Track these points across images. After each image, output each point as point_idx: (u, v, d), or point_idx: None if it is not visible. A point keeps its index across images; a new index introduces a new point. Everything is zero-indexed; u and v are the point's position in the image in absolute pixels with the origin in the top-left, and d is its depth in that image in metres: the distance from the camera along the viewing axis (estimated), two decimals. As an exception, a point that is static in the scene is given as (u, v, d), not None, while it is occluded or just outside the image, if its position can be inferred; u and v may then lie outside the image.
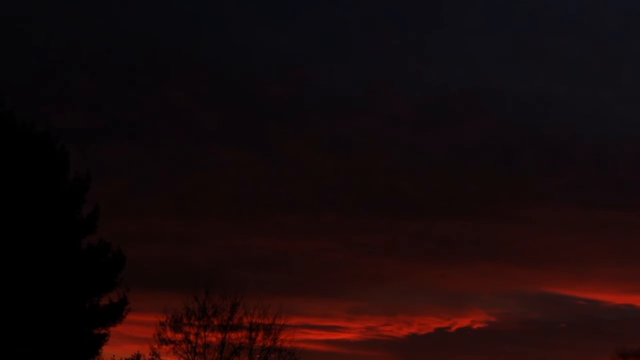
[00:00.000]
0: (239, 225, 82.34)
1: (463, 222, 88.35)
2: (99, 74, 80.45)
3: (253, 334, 50.38)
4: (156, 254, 72.82)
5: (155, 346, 49.18)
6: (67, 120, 69.78)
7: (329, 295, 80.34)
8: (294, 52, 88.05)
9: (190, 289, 49.74)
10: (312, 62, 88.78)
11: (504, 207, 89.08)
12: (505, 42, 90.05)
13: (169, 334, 49.53)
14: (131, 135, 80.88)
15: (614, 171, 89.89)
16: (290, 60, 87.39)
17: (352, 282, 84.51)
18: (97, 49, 78.92)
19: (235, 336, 50.18)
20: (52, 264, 37.27)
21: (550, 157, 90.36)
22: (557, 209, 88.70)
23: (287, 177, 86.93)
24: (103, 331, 40.50)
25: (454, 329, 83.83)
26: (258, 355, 50.32)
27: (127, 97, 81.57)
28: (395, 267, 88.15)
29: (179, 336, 49.58)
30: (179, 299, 50.19)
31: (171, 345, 49.56)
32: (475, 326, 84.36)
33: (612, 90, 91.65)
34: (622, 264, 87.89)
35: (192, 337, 49.63)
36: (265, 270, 79.54)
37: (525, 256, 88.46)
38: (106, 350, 41.36)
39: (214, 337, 49.94)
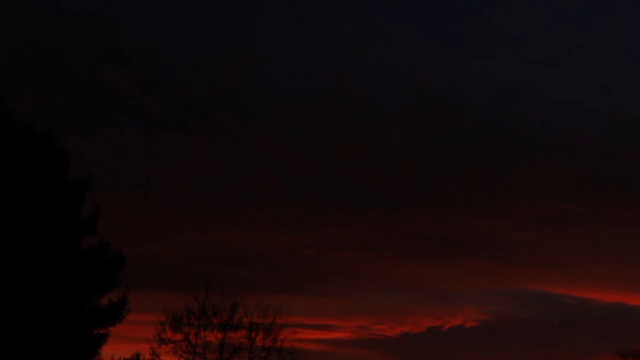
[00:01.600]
0: (206, 219, 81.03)
1: (436, 216, 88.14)
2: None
3: (253, 334, 50.45)
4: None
5: (155, 346, 49.31)
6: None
7: (310, 292, 79.78)
8: (262, 39, 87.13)
9: (191, 289, 49.89)
10: (277, 50, 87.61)
11: (477, 200, 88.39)
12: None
13: (169, 334, 49.65)
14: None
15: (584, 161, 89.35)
16: (255, 45, 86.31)
17: (334, 279, 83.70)
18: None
19: (235, 336, 50.28)
20: (53, 264, 37.26)
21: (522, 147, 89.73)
22: (532, 202, 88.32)
23: (252, 170, 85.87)
24: (103, 331, 40.48)
25: (446, 327, 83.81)
26: (259, 355, 50.38)
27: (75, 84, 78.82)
28: (375, 263, 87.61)
29: (179, 336, 49.68)
30: (179, 299, 50.30)
31: (171, 345, 49.67)
32: (467, 325, 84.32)
33: (584, 78, 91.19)
34: (605, 260, 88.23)
35: (191, 337, 49.71)
36: (238, 266, 78.78)
37: (507, 252, 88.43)
38: (106, 350, 41.43)
39: (213, 337, 50.03)
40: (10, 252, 36.40)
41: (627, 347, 66.01)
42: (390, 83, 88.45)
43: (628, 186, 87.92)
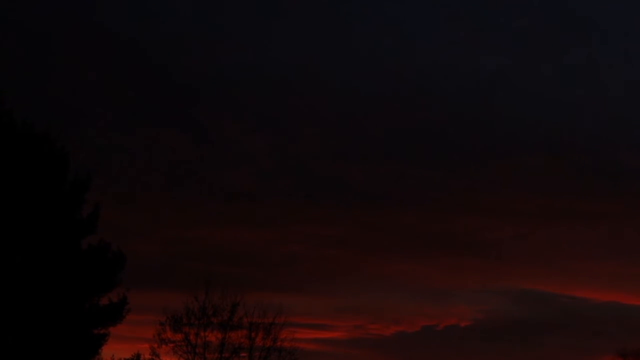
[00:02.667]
0: (180, 214, 79.47)
1: (420, 213, 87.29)
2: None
3: (253, 334, 50.43)
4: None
5: (155, 346, 49.29)
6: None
7: (299, 291, 79.00)
8: (230, 30, 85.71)
9: (191, 289, 49.86)
10: (251, 40, 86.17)
11: (458, 195, 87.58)
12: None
13: (169, 334, 49.62)
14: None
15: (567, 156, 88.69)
16: (224, 37, 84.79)
17: (322, 277, 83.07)
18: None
19: (235, 336, 50.25)
20: (53, 264, 37.27)
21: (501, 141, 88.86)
22: (513, 197, 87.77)
23: (224, 163, 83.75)
24: (103, 331, 40.46)
25: (441, 326, 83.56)
26: (257, 354, 50.37)
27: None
28: (363, 261, 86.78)
29: (179, 336, 49.66)
30: (179, 299, 50.26)
31: (171, 345, 49.65)
32: (462, 324, 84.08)
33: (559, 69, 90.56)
34: (595, 257, 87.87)
35: (191, 337, 49.69)
36: (219, 264, 76.91)
37: (497, 250, 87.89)
38: (106, 350, 41.39)
39: (213, 337, 50.01)
40: (10, 252, 36.41)
41: (624, 346, 65.97)
42: (369, 75, 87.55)
43: (615, 181, 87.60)
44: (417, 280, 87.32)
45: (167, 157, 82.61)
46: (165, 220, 78.95)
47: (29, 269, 36.65)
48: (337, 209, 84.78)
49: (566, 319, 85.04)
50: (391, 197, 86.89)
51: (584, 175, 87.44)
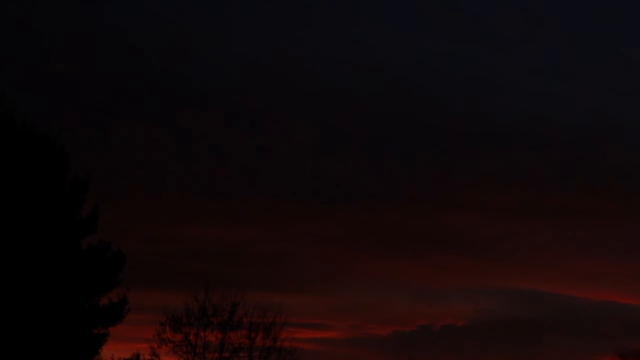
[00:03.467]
0: (163, 211, 77.53)
1: (406, 210, 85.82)
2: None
3: (253, 334, 50.45)
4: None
5: (155, 346, 49.31)
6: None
7: (291, 290, 78.17)
8: (213, 21, 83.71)
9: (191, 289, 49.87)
10: (226, 31, 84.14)
11: (441, 191, 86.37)
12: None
13: (169, 334, 49.64)
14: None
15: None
16: (204, 29, 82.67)
17: (314, 276, 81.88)
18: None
19: (235, 336, 50.27)
20: (53, 264, 37.27)
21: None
22: (498, 193, 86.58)
23: (204, 159, 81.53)
24: (103, 331, 40.48)
25: (438, 326, 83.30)
26: (257, 353, 50.38)
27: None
28: (354, 259, 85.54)
29: (179, 336, 49.67)
30: (179, 299, 50.27)
31: (171, 345, 49.66)
32: (459, 323, 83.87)
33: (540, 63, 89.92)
34: (588, 255, 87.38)
35: (191, 337, 49.71)
36: (205, 262, 75.37)
37: (487, 248, 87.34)
38: (106, 351, 41.40)
39: (213, 337, 50.02)
40: (10, 252, 36.39)
41: (621, 346, 66.02)
42: (352, 71, 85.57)
43: (603, 177, 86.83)
44: (413, 280, 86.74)
45: (150, 155, 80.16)
46: (149, 219, 77.23)
47: (29, 269, 36.64)
48: (319, 207, 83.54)
49: (563, 318, 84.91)
50: (374, 194, 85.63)
51: (574, 171, 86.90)
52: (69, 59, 75.84)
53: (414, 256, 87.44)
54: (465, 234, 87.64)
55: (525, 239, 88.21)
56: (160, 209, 77.68)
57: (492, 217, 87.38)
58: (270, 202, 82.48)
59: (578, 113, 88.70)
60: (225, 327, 49.88)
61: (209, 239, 79.29)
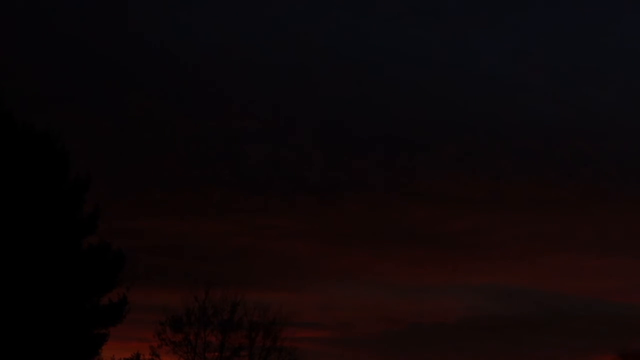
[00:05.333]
0: (120, 204, 73.36)
1: (366, 201, 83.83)
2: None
3: (253, 333, 50.45)
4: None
5: (155, 346, 49.33)
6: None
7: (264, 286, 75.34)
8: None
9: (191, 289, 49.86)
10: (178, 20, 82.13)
11: (408, 181, 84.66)
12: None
13: (169, 334, 49.66)
14: None
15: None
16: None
17: (290, 272, 79.52)
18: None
19: (235, 336, 50.28)
20: (53, 264, 37.25)
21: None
22: (466, 183, 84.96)
23: (154, 147, 78.42)
24: (103, 331, 40.46)
25: (429, 324, 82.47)
26: (259, 354, 50.42)
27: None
28: (319, 253, 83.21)
29: (179, 336, 49.68)
30: (179, 299, 50.28)
31: (171, 345, 49.67)
32: (450, 321, 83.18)
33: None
34: (561, 249, 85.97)
35: (192, 337, 49.73)
36: (168, 258, 73.21)
37: (455, 242, 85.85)
38: (106, 350, 41.38)
39: (213, 337, 50.03)
40: (10, 252, 36.37)
41: (614, 344, 66.02)
42: (311, 57, 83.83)
43: (565, 168, 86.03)
44: (402, 277, 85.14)
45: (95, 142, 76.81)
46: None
47: (29, 269, 36.61)
48: (279, 199, 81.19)
49: (554, 316, 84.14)
50: (337, 186, 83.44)
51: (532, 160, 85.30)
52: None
53: (377, 250, 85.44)
54: (427, 227, 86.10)
55: (488, 234, 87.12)
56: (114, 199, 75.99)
57: (444, 207, 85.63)
58: (221, 194, 79.75)
59: (546, 104, 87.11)
60: (225, 327, 49.90)
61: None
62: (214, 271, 70.35)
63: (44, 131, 38.91)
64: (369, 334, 79.68)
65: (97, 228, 39.99)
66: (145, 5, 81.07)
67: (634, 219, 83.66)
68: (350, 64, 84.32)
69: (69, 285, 38.01)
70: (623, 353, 64.94)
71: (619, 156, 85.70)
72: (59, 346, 37.93)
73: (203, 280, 50.32)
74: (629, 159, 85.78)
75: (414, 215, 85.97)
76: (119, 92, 78.07)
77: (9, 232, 36.56)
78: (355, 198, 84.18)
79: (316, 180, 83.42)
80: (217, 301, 49.96)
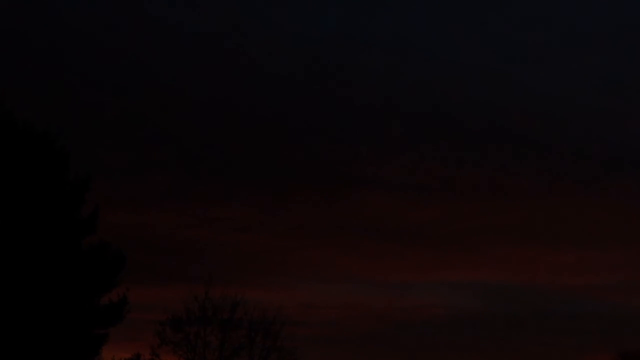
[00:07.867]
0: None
1: (322, 192, 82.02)
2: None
3: (252, 333, 50.45)
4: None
5: (155, 346, 49.31)
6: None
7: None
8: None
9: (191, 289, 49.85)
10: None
11: (360, 169, 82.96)
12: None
13: (169, 334, 49.65)
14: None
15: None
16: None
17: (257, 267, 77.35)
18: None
19: (235, 336, 50.27)
20: (53, 264, 37.24)
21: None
22: (411, 170, 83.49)
23: (90, 130, 73.80)
24: (103, 331, 40.43)
25: (414, 321, 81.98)
26: (259, 354, 50.42)
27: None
28: (282, 247, 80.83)
29: (179, 336, 49.66)
30: (179, 299, 50.26)
31: (171, 345, 49.66)
32: (437, 319, 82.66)
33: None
34: (525, 243, 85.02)
35: (192, 337, 49.72)
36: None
37: (424, 234, 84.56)
38: (106, 351, 41.35)
39: (213, 337, 50.01)
40: (10, 252, 36.38)
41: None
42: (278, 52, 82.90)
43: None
44: (385, 274, 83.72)
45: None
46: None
47: (29, 269, 36.61)
48: (229, 188, 79.34)
49: (543, 313, 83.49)
50: (294, 175, 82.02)
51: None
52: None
53: (337, 243, 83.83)
54: (385, 219, 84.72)
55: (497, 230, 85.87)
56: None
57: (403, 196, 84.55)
58: (165, 183, 77.24)
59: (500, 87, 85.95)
60: (225, 327, 49.89)
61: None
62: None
63: (44, 131, 38.91)
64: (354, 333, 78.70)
65: (97, 228, 40.00)
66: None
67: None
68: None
69: (68, 286, 37.98)
70: (624, 353, 65.03)
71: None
72: (59, 346, 37.92)
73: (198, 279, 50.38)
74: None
75: (362, 206, 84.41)
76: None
77: (9, 232, 36.58)
78: (306, 191, 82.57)
79: (270, 169, 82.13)
80: (217, 301, 49.95)
